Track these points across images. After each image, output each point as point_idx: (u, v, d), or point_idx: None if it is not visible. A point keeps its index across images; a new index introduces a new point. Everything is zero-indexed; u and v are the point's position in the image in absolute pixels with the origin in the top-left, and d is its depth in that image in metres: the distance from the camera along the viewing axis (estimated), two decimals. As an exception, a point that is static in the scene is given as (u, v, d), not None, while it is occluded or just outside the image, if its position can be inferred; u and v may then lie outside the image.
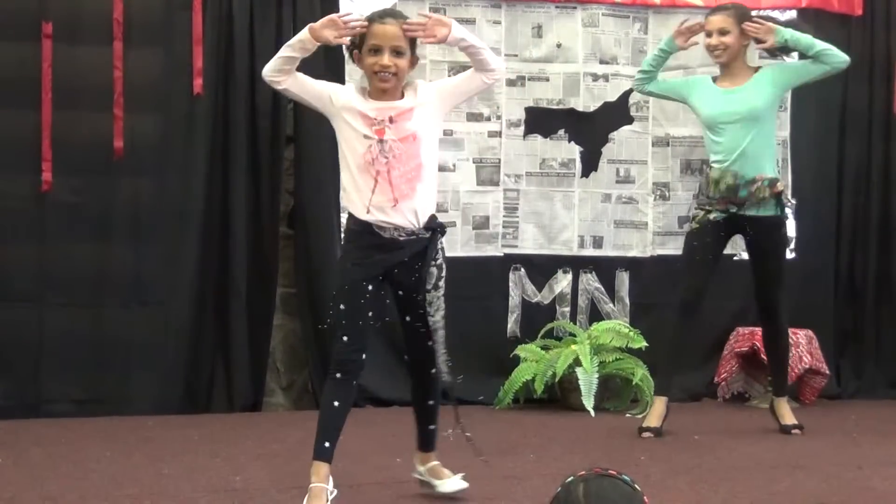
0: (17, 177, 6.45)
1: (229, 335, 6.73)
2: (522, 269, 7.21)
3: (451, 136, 7.05)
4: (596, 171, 7.31)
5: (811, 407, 6.97)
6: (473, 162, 7.15)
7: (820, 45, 5.97)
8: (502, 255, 7.19)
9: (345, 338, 4.32)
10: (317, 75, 6.74)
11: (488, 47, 4.53)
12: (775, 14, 7.37)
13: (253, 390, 6.79)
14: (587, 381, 6.64)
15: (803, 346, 6.94)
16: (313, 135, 6.81)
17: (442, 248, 4.42)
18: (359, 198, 4.33)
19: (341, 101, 4.36)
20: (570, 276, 7.26)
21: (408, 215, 4.31)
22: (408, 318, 4.45)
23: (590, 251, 7.30)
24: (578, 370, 6.67)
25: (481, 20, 7.10)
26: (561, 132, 7.28)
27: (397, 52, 4.30)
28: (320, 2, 6.83)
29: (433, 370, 4.49)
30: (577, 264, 7.28)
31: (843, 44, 7.43)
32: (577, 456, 5.45)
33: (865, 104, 7.56)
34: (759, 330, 6.85)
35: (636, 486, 2.37)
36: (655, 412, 6.07)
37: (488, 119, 7.15)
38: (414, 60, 4.39)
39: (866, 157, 7.60)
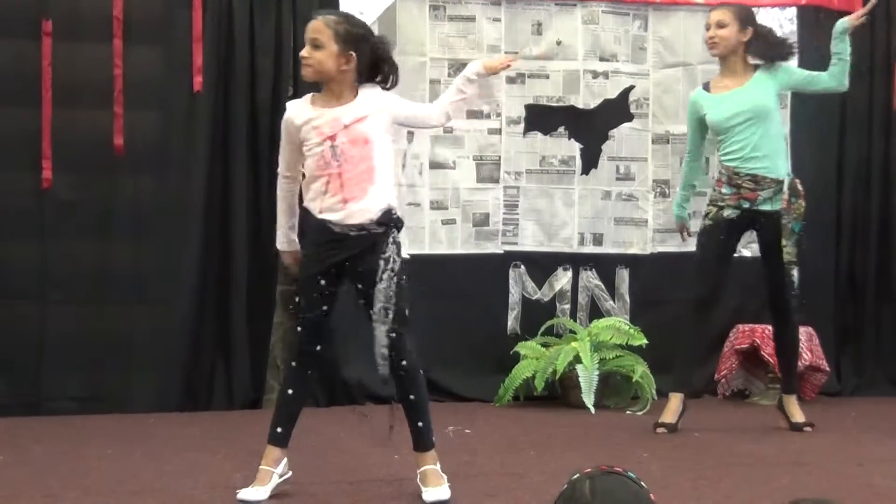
0: (17, 174, 6.46)
1: (229, 332, 6.73)
2: (522, 267, 7.21)
3: (452, 134, 7.05)
4: (596, 168, 7.31)
5: (811, 404, 6.96)
6: (473, 159, 7.15)
7: (847, 59, 5.99)
8: (502, 252, 7.19)
9: (299, 328, 4.55)
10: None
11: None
12: (775, 11, 7.40)
13: (253, 387, 6.79)
14: (587, 379, 6.65)
15: (803, 343, 6.93)
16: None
17: (397, 243, 4.45)
18: (313, 197, 4.45)
19: (298, 122, 4.46)
20: (570, 274, 7.26)
21: (357, 215, 4.40)
22: (371, 313, 4.46)
23: (590, 248, 7.30)
24: (579, 367, 6.68)
25: (481, 17, 7.10)
26: (561, 129, 7.28)
27: (315, 45, 4.42)
28: (319, -1, 6.84)
29: (405, 363, 4.46)
30: (577, 261, 7.28)
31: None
32: (577, 453, 5.45)
33: (865, 101, 7.56)
34: (759, 327, 6.88)
35: (642, 483, 2.36)
36: (671, 408, 6.06)
37: (488, 116, 7.15)
38: (348, 58, 4.42)
39: (866, 153, 7.61)
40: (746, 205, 5.92)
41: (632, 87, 7.32)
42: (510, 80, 7.16)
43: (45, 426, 6.06)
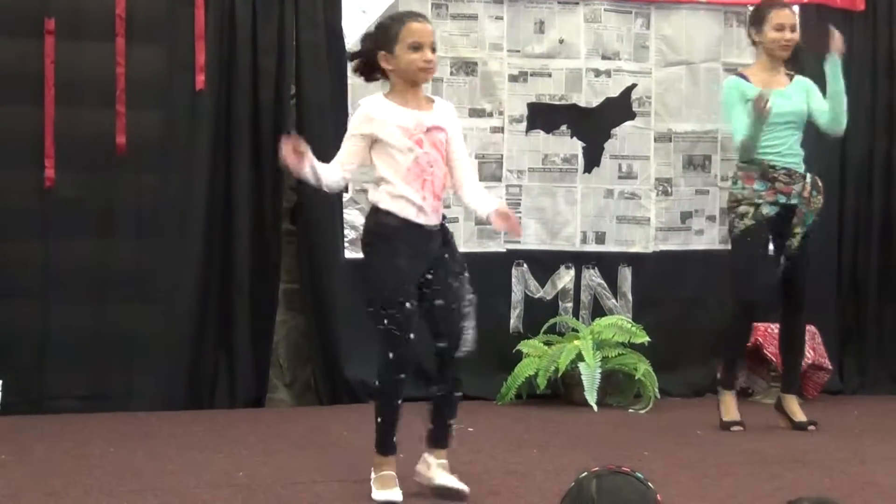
0: (20, 173, 6.45)
1: (232, 331, 6.73)
2: (525, 265, 7.20)
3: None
4: (598, 166, 7.30)
5: (814, 402, 6.96)
6: (476, 158, 7.13)
7: (844, 99, 5.98)
8: (505, 250, 7.19)
9: (410, 336, 4.43)
10: (320, 84, 6.81)
11: None
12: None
13: (256, 386, 6.78)
14: (590, 377, 6.64)
15: (806, 342, 6.93)
16: (316, 130, 6.80)
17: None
18: (406, 203, 4.45)
19: (378, 118, 4.48)
20: (572, 272, 7.26)
21: (437, 216, 4.53)
22: (439, 302, 4.51)
23: (592, 247, 7.30)
24: (581, 365, 6.67)
25: (483, 16, 7.10)
26: (563, 128, 7.27)
27: (433, 49, 4.50)
28: (322, -3, 6.85)
29: (460, 356, 4.54)
30: (579, 260, 7.28)
31: (846, 39, 7.44)
32: (579, 451, 5.46)
33: (868, 99, 7.55)
34: (761, 325, 6.86)
35: (650, 483, 2.36)
36: (733, 406, 6.08)
37: (490, 115, 7.14)
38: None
39: (868, 152, 7.60)
40: (783, 199, 5.93)
41: (634, 86, 7.31)
42: (512, 79, 7.16)
43: (48, 425, 6.06)
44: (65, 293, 6.46)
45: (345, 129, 6.77)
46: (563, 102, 7.25)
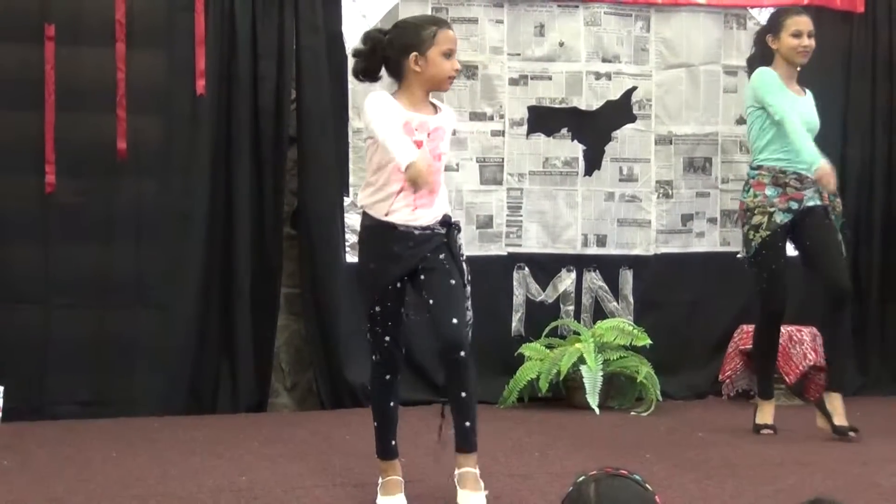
0: (20, 178, 6.46)
1: (234, 336, 6.73)
2: (526, 268, 7.20)
3: (455, 136, 7.02)
4: (599, 169, 7.31)
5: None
6: (477, 161, 7.15)
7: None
8: (506, 254, 7.19)
9: (387, 339, 4.42)
10: (321, 89, 6.81)
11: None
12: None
13: (258, 391, 6.79)
14: (591, 380, 6.65)
15: (808, 344, 6.93)
16: (316, 135, 6.82)
17: (459, 244, 4.49)
18: (381, 199, 4.39)
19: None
20: (573, 275, 7.26)
21: (422, 219, 4.40)
22: (432, 302, 4.41)
23: (593, 250, 7.30)
24: (583, 368, 6.68)
25: (483, 19, 7.10)
26: (564, 131, 7.27)
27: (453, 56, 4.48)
28: (322, 2, 6.84)
29: (463, 353, 4.43)
30: (580, 263, 7.28)
31: (846, 41, 7.48)
32: (581, 454, 5.46)
33: (868, 101, 7.56)
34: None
35: (648, 486, 2.37)
36: (768, 412, 6.06)
37: (491, 118, 7.14)
38: None
39: (869, 153, 7.60)
40: (795, 205, 5.90)
41: (634, 88, 7.32)
42: (513, 82, 7.16)
43: (50, 430, 6.06)
44: (66, 298, 6.47)
45: (345, 134, 6.90)
46: (563, 105, 7.26)
